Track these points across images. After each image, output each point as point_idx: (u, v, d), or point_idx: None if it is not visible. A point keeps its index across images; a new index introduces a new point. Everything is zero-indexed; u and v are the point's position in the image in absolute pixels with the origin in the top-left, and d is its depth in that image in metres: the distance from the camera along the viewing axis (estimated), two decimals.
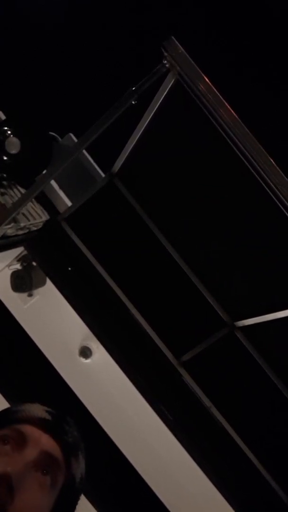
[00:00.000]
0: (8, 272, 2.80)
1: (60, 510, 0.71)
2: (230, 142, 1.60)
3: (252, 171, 1.61)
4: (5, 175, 2.53)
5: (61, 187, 3.06)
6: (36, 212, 2.73)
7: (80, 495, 0.78)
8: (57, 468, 0.72)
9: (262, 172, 1.57)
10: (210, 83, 1.58)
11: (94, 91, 5.27)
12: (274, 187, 1.57)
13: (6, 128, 2.37)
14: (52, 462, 0.71)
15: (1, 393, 2.87)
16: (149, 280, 2.85)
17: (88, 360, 3.06)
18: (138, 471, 3.08)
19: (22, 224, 2.46)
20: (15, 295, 2.90)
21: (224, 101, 1.57)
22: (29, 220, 2.57)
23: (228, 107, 1.57)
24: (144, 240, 2.74)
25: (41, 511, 0.68)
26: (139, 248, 2.80)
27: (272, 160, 1.58)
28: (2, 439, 0.70)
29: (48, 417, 0.77)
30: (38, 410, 0.78)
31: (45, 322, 3.09)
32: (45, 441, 0.72)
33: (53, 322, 3.08)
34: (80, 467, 0.77)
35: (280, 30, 5.19)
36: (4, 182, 2.55)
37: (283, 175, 1.58)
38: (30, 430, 0.73)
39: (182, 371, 2.81)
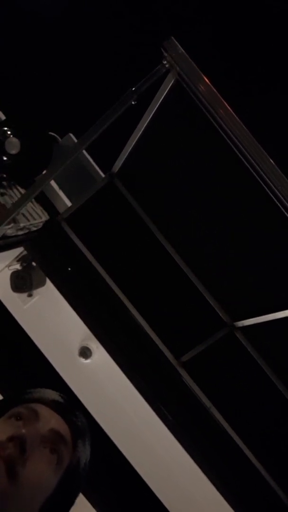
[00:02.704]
0: (8, 272, 2.80)
1: (62, 491, 0.72)
2: (229, 142, 1.60)
3: (252, 171, 1.61)
4: (5, 175, 2.53)
5: (61, 187, 3.06)
6: (36, 212, 2.73)
7: (84, 482, 0.79)
8: (64, 448, 0.73)
9: (261, 172, 1.58)
10: (209, 84, 1.58)
11: (94, 91, 5.27)
12: (273, 187, 1.57)
13: (6, 128, 2.37)
14: (61, 441, 0.73)
15: (0, 394, 2.86)
16: (148, 280, 2.85)
17: (88, 360, 3.06)
18: (138, 471, 3.08)
19: (22, 225, 2.46)
20: (15, 295, 2.90)
21: (223, 101, 1.58)
22: (29, 221, 2.57)
23: (228, 107, 1.57)
24: (143, 240, 2.74)
25: (45, 485, 0.69)
26: (139, 248, 2.80)
27: (271, 160, 1.58)
28: (15, 415, 0.72)
29: (60, 400, 0.80)
30: (51, 393, 0.81)
31: (45, 323, 3.09)
32: (55, 421, 0.75)
33: (53, 322, 3.08)
34: (85, 452, 0.79)
35: (280, 30, 5.19)
36: (4, 182, 2.55)
37: (282, 175, 1.58)
38: (42, 409, 0.75)
39: (182, 371, 2.81)
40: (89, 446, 0.81)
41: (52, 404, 0.77)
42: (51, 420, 0.74)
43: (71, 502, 0.75)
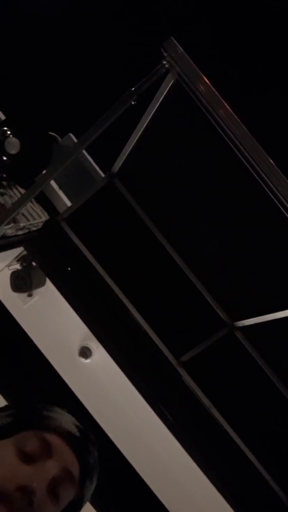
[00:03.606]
0: (8, 272, 2.80)
1: None
2: (229, 142, 1.60)
3: (252, 171, 1.61)
4: (5, 175, 2.53)
5: (61, 187, 3.07)
6: (36, 212, 2.73)
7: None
8: (71, 486, 0.71)
9: (261, 172, 1.58)
10: (209, 84, 1.58)
11: (94, 91, 5.27)
12: (273, 187, 1.57)
13: (6, 128, 2.37)
14: (69, 481, 0.71)
15: (0, 394, 2.86)
16: (148, 280, 2.85)
17: (88, 360, 3.06)
18: (138, 471, 3.08)
19: (21, 224, 2.46)
20: (15, 295, 2.90)
21: (223, 101, 1.58)
22: (28, 220, 2.57)
23: (227, 107, 1.58)
24: (143, 240, 2.74)
25: None
26: (138, 248, 2.80)
27: (271, 160, 1.58)
28: (28, 448, 0.68)
29: (76, 433, 0.75)
30: (67, 422, 0.76)
31: (45, 322, 3.09)
32: (68, 458, 0.71)
33: (53, 322, 3.08)
34: (91, 489, 0.78)
35: (279, 30, 5.19)
36: (4, 182, 2.55)
37: (282, 175, 1.58)
38: (56, 441, 0.71)
39: (181, 371, 2.81)
40: (96, 480, 0.79)
41: (67, 437, 0.73)
42: (63, 457, 0.70)
43: None
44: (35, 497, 0.64)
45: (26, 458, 0.67)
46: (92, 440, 0.79)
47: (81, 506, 0.76)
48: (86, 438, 0.77)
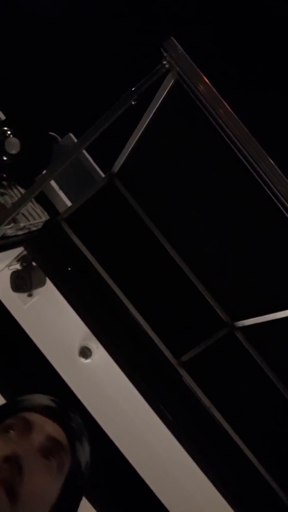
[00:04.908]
0: (8, 272, 2.80)
1: (67, 495, 0.72)
2: (229, 142, 1.60)
3: (252, 171, 1.61)
4: (5, 175, 2.53)
5: (61, 187, 3.07)
6: (36, 212, 2.73)
7: (87, 482, 0.79)
8: (62, 452, 0.73)
9: (261, 172, 1.58)
10: (209, 84, 1.58)
11: (94, 91, 5.27)
12: (273, 187, 1.57)
13: (6, 128, 2.37)
14: (58, 447, 0.72)
15: (0, 394, 2.87)
16: (149, 280, 2.85)
17: (88, 360, 3.06)
18: (138, 471, 3.08)
19: (22, 225, 2.46)
20: (15, 295, 2.90)
21: (223, 101, 1.58)
22: (29, 221, 2.57)
23: (227, 107, 1.58)
24: (143, 240, 2.74)
25: (48, 495, 0.69)
26: (138, 248, 2.80)
27: (271, 160, 1.58)
28: (8, 427, 0.71)
29: (52, 404, 0.78)
30: (42, 398, 0.79)
31: (45, 322, 3.09)
32: (50, 427, 0.73)
33: (53, 322, 3.08)
34: (85, 453, 0.78)
35: (280, 30, 5.19)
36: (4, 182, 2.55)
37: (282, 175, 1.58)
38: (35, 417, 0.73)
39: (182, 371, 2.81)
40: (88, 444, 0.80)
41: (44, 410, 0.75)
42: (45, 428, 0.73)
43: (77, 505, 0.75)
44: (23, 463, 0.65)
45: (9, 438, 0.69)
46: (70, 408, 0.81)
47: (82, 474, 0.76)
48: (63, 406, 0.79)
